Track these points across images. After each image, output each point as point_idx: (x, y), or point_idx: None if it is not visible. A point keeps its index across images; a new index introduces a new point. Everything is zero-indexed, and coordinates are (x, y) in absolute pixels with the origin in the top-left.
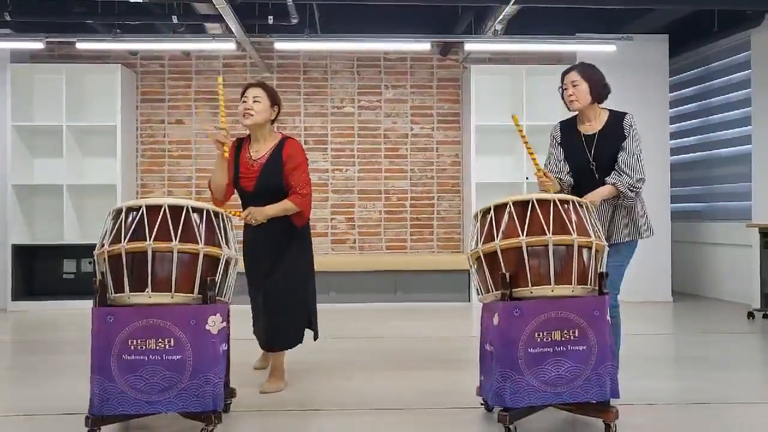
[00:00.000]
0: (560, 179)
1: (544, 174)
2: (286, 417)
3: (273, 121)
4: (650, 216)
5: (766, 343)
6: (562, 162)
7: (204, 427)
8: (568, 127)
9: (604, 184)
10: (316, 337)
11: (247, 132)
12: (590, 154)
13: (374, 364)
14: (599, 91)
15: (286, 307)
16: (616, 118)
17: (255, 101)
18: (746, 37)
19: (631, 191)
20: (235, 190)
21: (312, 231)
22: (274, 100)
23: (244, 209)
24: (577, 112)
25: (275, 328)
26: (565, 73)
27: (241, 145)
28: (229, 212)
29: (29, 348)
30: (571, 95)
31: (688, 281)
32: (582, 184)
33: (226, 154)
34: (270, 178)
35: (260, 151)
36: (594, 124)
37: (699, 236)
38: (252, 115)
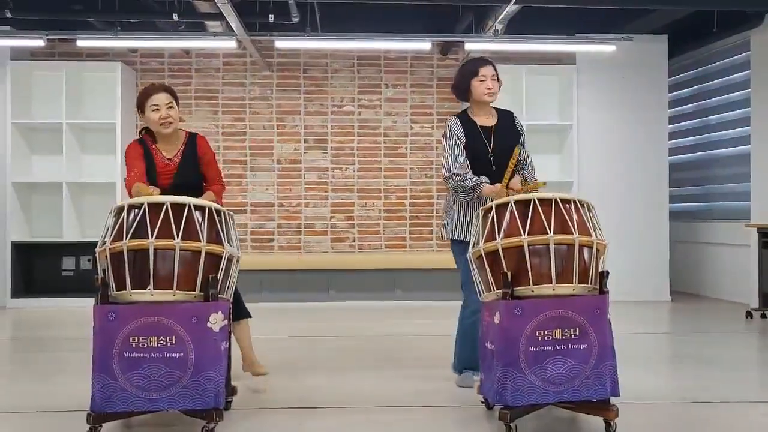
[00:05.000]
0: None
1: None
2: (286, 414)
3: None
4: (643, 215)
5: (764, 343)
6: (467, 160)
7: (205, 424)
8: (465, 120)
9: (501, 174)
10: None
11: (142, 133)
12: (490, 146)
13: (373, 362)
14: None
15: None
16: (505, 115)
17: (169, 107)
18: (746, 37)
19: None
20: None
21: (311, 229)
22: (178, 101)
23: None
24: (469, 104)
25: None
26: (483, 64)
27: (146, 145)
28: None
29: (29, 345)
30: (490, 88)
31: (686, 281)
32: (479, 175)
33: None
34: (188, 174)
35: (171, 150)
36: (489, 118)
37: (698, 236)
38: (171, 123)
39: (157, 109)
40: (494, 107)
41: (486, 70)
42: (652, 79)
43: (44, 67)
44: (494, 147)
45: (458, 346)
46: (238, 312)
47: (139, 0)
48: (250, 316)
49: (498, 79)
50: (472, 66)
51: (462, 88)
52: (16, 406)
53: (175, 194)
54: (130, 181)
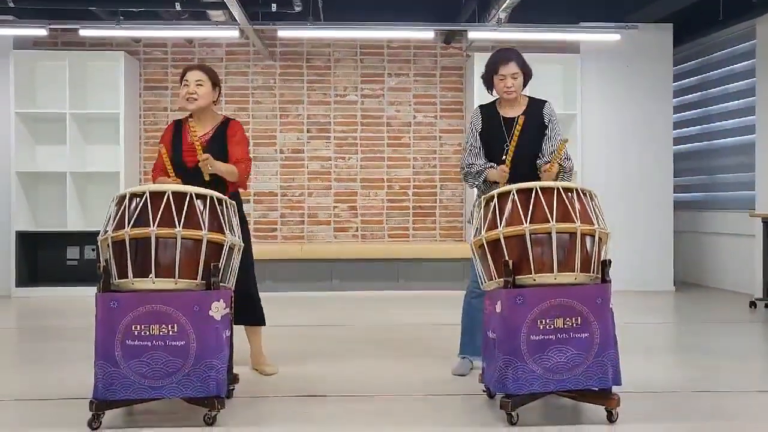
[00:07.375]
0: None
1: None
2: (288, 403)
3: (215, 102)
4: (647, 204)
5: None
6: (480, 150)
7: (207, 412)
8: (489, 112)
9: (519, 168)
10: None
11: (186, 114)
12: (510, 138)
13: (376, 351)
14: (528, 80)
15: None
16: (536, 105)
17: (198, 85)
18: (751, 26)
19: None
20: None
21: (314, 219)
22: (215, 82)
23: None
24: (497, 97)
25: (254, 302)
26: (502, 63)
27: (180, 126)
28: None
29: (33, 334)
30: (510, 87)
31: (690, 271)
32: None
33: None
34: (214, 154)
35: (203, 129)
36: (516, 109)
37: (701, 226)
38: (196, 99)
39: (186, 85)
40: (528, 96)
41: (506, 69)
42: (657, 68)
43: (47, 57)
44: (512, 138)
45: (461, 330)
46: (255, 318)
47: None
48: (264, 324)
49: (524, 72)
50: (495, 60)
51: (486, 83)
52: (21, 393)
53: (197, 175)
54: (155, 172)
